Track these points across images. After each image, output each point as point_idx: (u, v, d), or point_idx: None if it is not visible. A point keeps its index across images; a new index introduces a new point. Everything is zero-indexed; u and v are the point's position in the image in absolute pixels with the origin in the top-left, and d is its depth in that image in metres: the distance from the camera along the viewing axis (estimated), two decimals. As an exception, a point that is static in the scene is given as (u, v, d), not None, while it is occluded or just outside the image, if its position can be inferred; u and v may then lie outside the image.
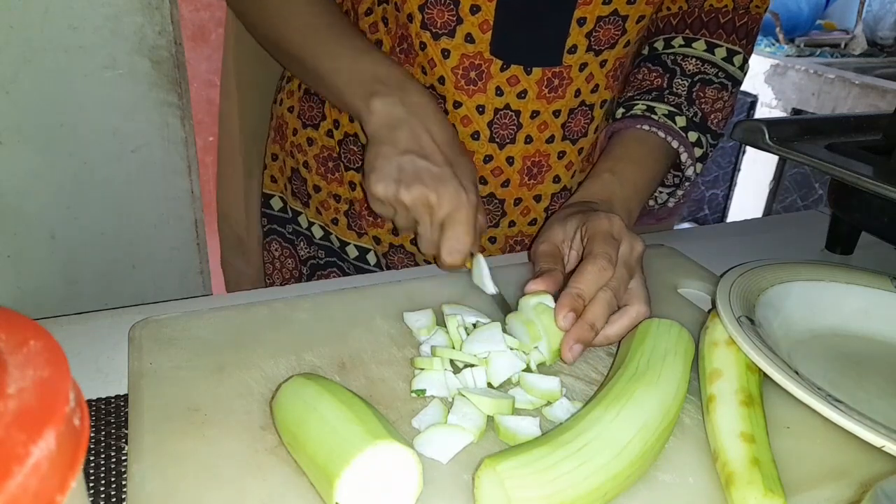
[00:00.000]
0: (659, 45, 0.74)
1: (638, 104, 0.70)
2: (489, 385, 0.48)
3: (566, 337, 0.50)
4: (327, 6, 0.67)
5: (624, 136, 0.70)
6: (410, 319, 0.54)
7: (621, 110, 0.71)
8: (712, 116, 0.71)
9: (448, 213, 0.57)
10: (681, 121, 0.69)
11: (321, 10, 0.67)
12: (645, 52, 0.76)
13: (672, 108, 0.70)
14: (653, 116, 0.69)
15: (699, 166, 0.72)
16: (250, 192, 0.92)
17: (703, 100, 0.71)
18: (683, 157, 0.71)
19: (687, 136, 0.69)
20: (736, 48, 0.72)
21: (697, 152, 0.71)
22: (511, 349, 0.49)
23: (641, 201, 0.68)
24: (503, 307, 0.57)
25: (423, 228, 0.60)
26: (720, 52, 0.72)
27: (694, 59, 0.72)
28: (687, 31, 0.73)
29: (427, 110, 0.61)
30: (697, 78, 0.71)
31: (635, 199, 0.67)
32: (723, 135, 0.74)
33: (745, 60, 0.74)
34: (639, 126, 0.69)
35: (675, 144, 0.69)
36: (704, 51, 0.72)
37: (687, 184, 0.74)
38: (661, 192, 0.77)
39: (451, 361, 0.49)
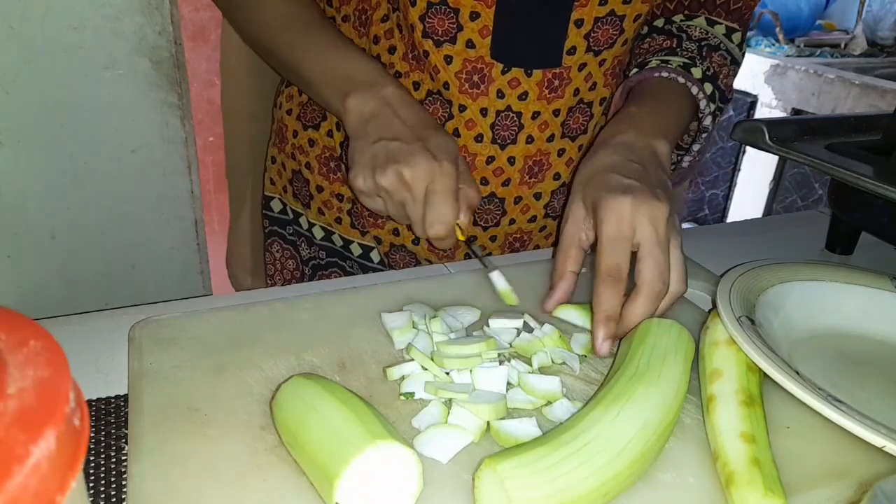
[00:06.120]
0: (659, 22, 0.75)
1: (652, 60, 0.70)
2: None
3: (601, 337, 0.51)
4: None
5: (643, 85, 0.69)
6: (387, 320, 0.53)
7: (635, 69, 0.70)
8: (722, 77, 0.71)
9: (427, 186, 0.57)
10: (696, 72, 0.69)
11: (292, 2, 0.67)
12: (644, 31, 0.76)
13: (686, 61, 0.69)
14: (669, 65, 0.68)
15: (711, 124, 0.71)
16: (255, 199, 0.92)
17: (712, 60, 0.70)
18: (702, 104, 0.69)
19: (703, 87, 0.69)
20: (734, 26, 0.73)
21: (711, 107, 0.70)
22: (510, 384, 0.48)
23: (677, 133, 0.66)
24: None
25: (409, 209, 0.59)
26: (719, 29, 0.72)
27: (697, 29, 0.72)
28: (686, 11, 0.74)
29: (397, 98, 0.62)
30: (703, 43, 0.71)
31: (670, 128, 0.64)
32: (730, 100, 0.73)
33: (743, 39, 0.74)
34: (656, 74, 0.68)
35: (694, 90, 0.68)
36: (705, 26, 0.72)
37: (704, 135, 0.73)
38: (675, 153, 0.76)
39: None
